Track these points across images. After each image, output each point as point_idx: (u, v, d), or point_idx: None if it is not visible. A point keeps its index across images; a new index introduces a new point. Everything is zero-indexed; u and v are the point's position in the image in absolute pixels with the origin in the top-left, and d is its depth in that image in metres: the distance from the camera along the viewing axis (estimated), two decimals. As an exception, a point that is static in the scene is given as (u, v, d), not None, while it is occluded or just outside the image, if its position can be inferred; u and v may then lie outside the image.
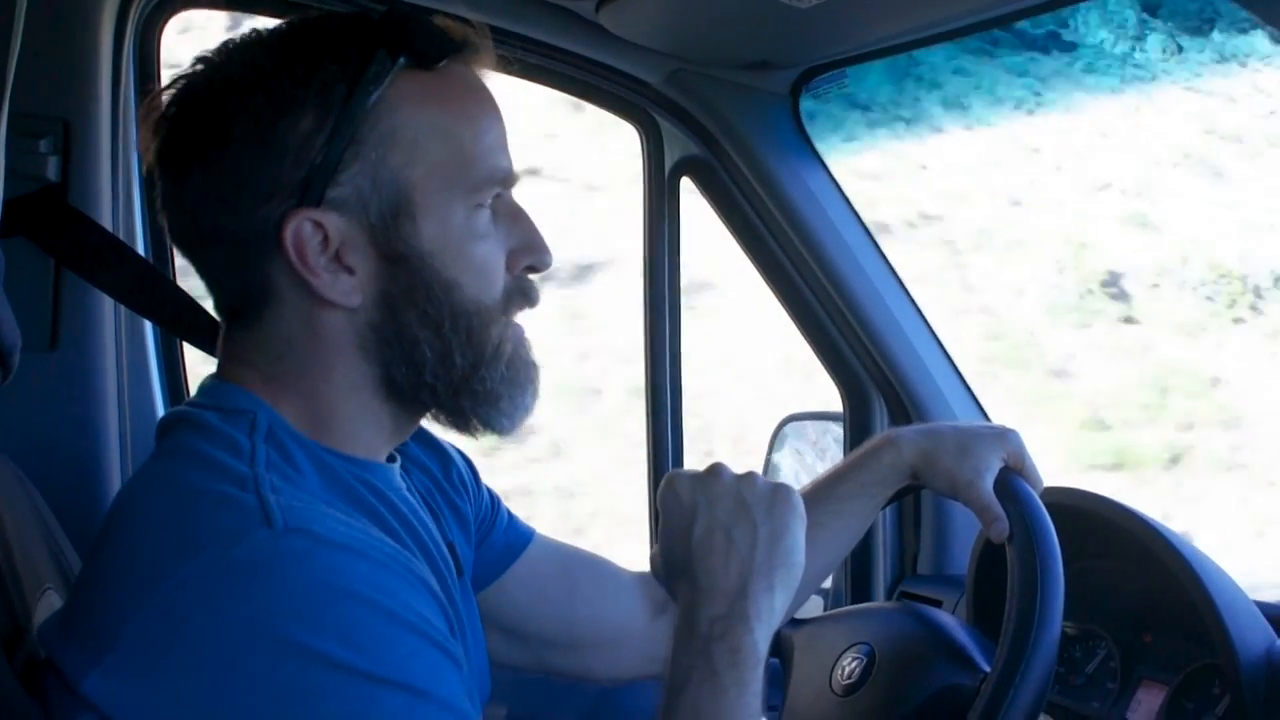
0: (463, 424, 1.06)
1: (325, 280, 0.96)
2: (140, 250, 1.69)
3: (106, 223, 1.55)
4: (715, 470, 1.08)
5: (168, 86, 1.01)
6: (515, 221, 1.04)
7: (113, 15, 1.59)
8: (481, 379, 1.02)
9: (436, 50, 0.99)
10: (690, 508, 1.05)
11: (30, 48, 1.38)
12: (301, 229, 0.94)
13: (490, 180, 1.01)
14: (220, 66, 0.98)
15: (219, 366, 1.04)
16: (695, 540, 1.04)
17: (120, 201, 1.59)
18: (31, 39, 1.40)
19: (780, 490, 1.06)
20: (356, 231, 0.96)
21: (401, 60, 0.97)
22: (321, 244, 0.95)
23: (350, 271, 0.97)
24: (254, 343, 1.00)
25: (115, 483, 1.57)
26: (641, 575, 1.43)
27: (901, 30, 1.73)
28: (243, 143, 0.95)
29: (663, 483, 1.09)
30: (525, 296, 1.05)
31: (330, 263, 0.96)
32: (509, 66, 1.07)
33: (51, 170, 1.52)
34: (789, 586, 1.04)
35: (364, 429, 1.02)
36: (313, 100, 0.94)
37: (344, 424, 1.01)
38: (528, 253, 1.04)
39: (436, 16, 1.01)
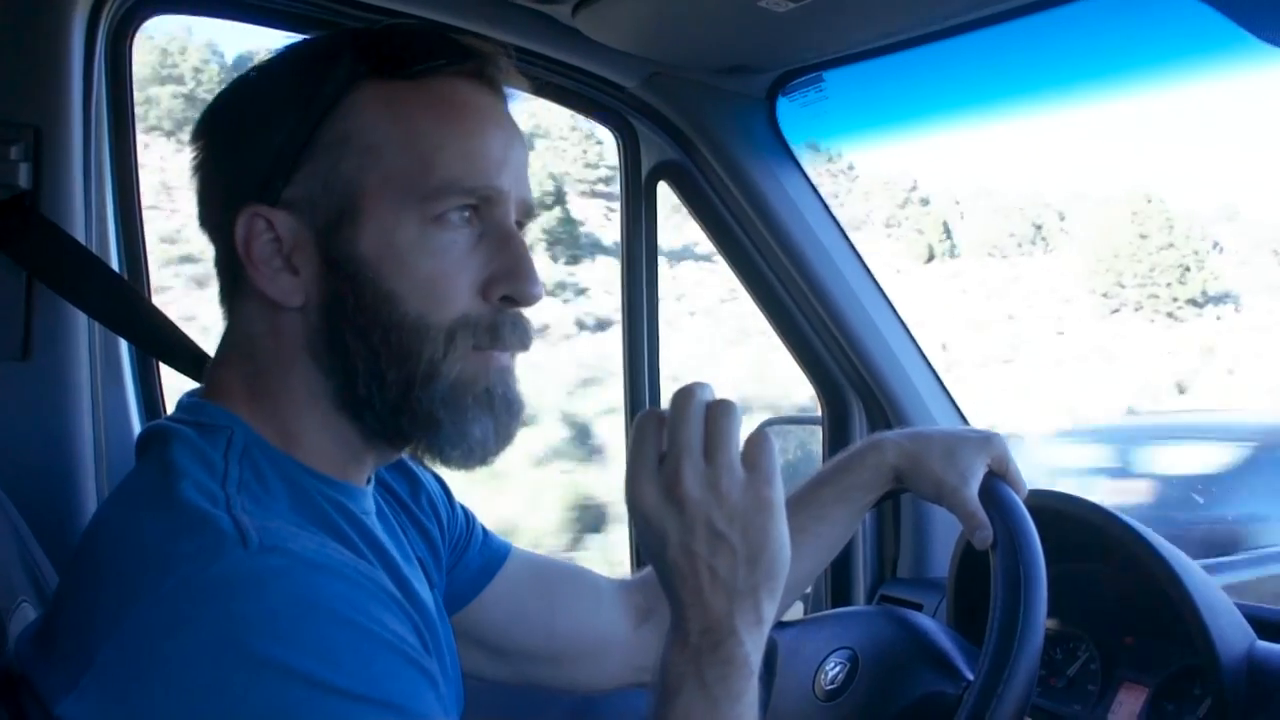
0: (410, 447, 1.02)
1: (264, 275, 0.97)
2: (114, 263, 1.67)
3: (79, 232, 1.52)
4: (680, 482, 0.96)
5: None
6: (502, 246, 0.99)
7: (84, 21, 1.58)
8: (417, 399, 0.97)
9: (406, 60, 0.98)
10: (660, 534, 0.98)
11: (0, 53, 1.37)
12: (253, 224, 0.97)
13: (448, 190, 0.96)
14: (230, 84, 1.04)
15: (210, 365, 1.05)
16: (672, 567, 0.98)
17: (94, 211, 1.57)
18: (1, 45, 1.38)
19: (755, 499, 0.97)
20: (305, 233, 0.97)
21: (364, 68, 0.97)
22: (274, 242, 0.97)
23: (295, 272, 0.97)
24: (230, 341, 1.03)
25: (90, 494, 1.55)
26: (623, 583, 1.42)
27: (878, 34, 1.73)
28: (222, 145, 1.01)
29: (625, 488, 0.99)
30: (493, 333, 0.99)
31: (279, 260, 0.97)
32: (519, 84, 1.04)
33: (23, 178, 1.50)
34: (775, 591, 1.00)
35: (330, 444, 1.01)
36: (280, 105, 0.97)
37: (309, 436, 1.00)
38: (507, 280, 0.98)
39: (445, 31, 1.02)
